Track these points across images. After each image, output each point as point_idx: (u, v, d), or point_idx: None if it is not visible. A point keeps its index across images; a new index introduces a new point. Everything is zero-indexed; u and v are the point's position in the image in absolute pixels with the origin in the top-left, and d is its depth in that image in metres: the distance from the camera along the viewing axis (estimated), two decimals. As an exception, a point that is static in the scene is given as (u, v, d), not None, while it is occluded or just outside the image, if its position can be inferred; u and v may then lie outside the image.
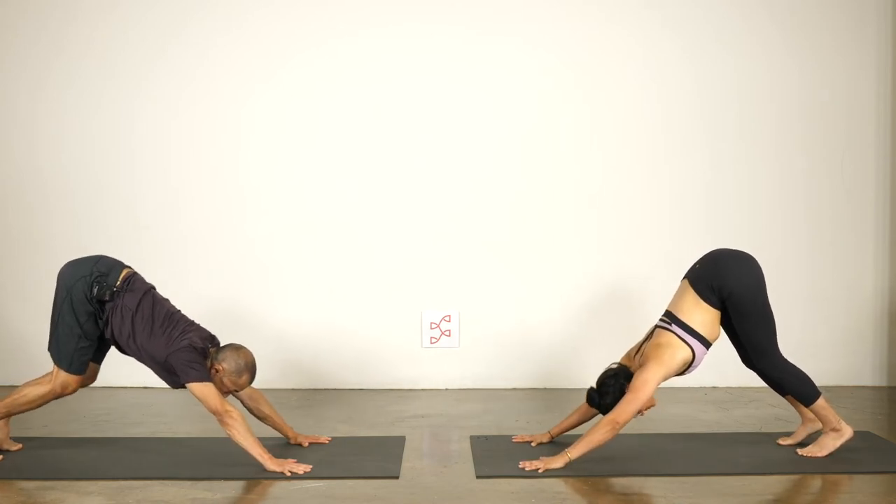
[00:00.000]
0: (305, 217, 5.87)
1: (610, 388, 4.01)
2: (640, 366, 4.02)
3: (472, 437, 4.51)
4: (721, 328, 4.14)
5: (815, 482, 3.74)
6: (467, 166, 5.88)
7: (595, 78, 5.88)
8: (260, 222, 5.88)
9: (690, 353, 4.02)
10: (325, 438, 4.40)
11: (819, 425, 4.23)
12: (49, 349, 4.09)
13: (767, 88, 5.87)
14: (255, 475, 3.84)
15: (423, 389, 5.80)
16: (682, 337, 4.02)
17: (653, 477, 3.81)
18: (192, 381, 3.87)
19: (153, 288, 4.14)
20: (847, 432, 4.09)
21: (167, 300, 4.14)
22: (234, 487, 3.73)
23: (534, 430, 4.63)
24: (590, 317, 5.85)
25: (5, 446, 4.20)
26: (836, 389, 5.74)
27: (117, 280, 4.02)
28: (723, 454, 4.15)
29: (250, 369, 4.00)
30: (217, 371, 3.95)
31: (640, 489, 3.67)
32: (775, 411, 5.12)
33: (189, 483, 3.75)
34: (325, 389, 5.76)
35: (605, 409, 4.02)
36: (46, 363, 5.80)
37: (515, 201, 5.88)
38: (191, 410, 5.20)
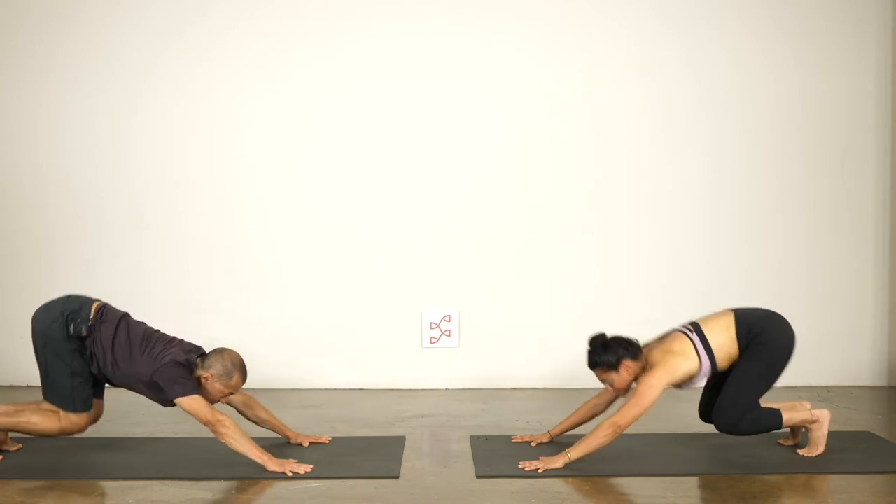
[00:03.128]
0: (305, 217, 5.87)
1: (613, 348, 3.99)
2: (646, 368, 4.00)
3: (472, 437, 4.51)
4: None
5: (815, 482, 3.74)
6: (467, 166, 5.88)
7: (595, 78, 5.88)
8: (260, 222, 5.88)
9: (697, 367, 4.02)
10: (325, 438, 4.40)
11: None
12: (46, 397, 4.07)
13: (767, 88, 5.87)
14: (255, 475, 3.83)
15: (423, 389, 5.80)
16: (698, 349, 4.02)
17: (653, 477, 3.81)
18: (179, 396, 3.87)
19: (127, 314, 4.14)
20: (825, 416, 4.09)
21: (143, 323, 4.14)
22: (234, 487, 3.73)
23: (534, 430, 4.63)
24: (590, 317, 5.83)
25: (5, 447, 4.20)
26: (836, 389, 5.74)
27: (90, 314, 4.02)
28: (723, 454, 4.15)
29: (239, 368, 3.97)
30: (207, 379, 3.93)
31: (640, 489, 3.67)
32: (775, 411, 5.12)
33: (189, 483, 3.75)
34: (325, 389, 5.76)
35: (593, 362, 4.02)
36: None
37: (515, 201, 5.88)
38: (191, 410, 5.20)
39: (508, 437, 4.48)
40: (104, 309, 4.08)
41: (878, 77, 5.89)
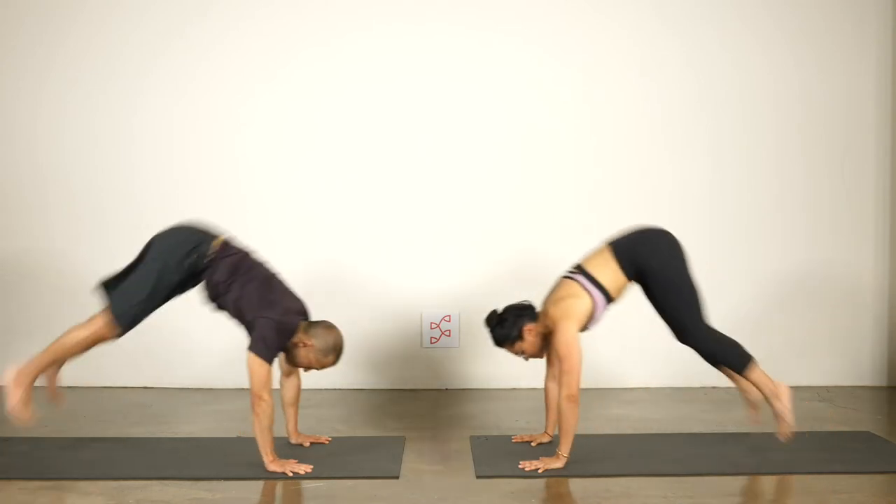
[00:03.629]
0: (305, 217, 5.87)
1: (508, 319, 4.09)
2: (550, 328, 4.03)
3: (472, 437, 4.51)
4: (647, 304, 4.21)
5: (815, 482, 3.74)
6: (467, 166, 5.88)
7: (595, 78, 5.88)
8: (260, 222, 5.87)
9: (591, 304, 4.05)
10: (325, 438, 4.41)
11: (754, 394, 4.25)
12: (106, 287, 4.03)
13: (767, 88, 5.87)
14: (255, 475, 3.84)
15: (423, 389, 5.80)
16: (585, 286, 4.07)
17: (653, 477, 3.81)
18: (254, 353, 3.84)
19: (251, 252, 4.13)
20: (783, 389, 4.10)
21: (264, 265, 4.12)
22: (234, 487, 3.73)
23: (534, 430, 4.63)
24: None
25: (53, 398, 4.23)
26: (836, 389, 5.74)
27: (209, 249, 4.01)
28: (723, 454, 4.15)
29: (338, 351, 4.00)
30: (305, 345, 3.95)
31: (640, 489, 3.67)
32: (775, 411, 5.12)
33: (189, 483, 3.75)
34: (325, 389, 5.76)
35: (497, 340, 4.11)
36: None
37: (515, 201, 5.88)
38: (191, 410, 5.21)
39: (508, 437, 4.48)
40: (227, 244, 4.06)
41: (878, 77, 5.89)
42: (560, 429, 3.94)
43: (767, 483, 3.74)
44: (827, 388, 5.77)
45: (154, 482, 3.76)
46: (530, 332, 4.09)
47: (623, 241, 4.22)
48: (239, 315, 3.99)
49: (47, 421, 4.87)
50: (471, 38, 5.86)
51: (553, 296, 4.14)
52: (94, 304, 5.82)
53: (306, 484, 3.74)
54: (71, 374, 5.87)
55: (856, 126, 5.89)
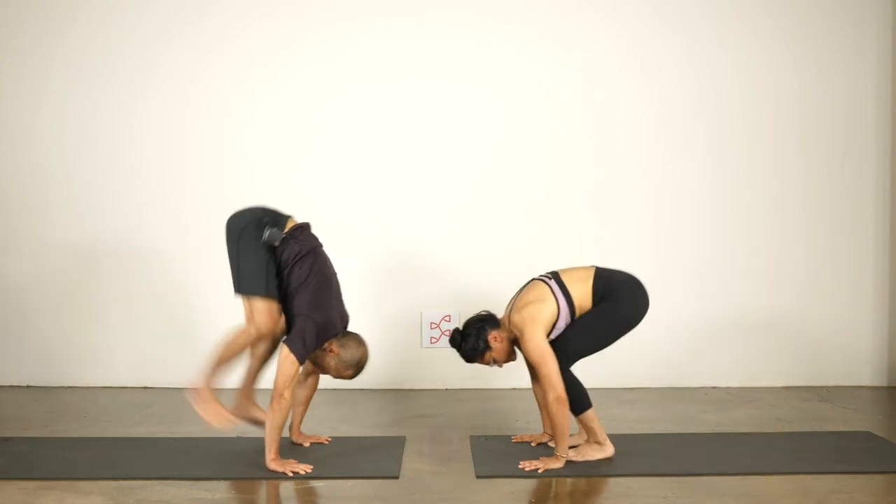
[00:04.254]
0: (305, 216, 5.84)
1: (472, 333, 4.12)
2: (517, 334, 4.03)
3: (472, 437, 4.51)
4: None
5: (815, 482, 3.74)
6: (467, 166, 5.88)
7: (595, 78, 5.87)
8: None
9: (556, 310, 4.06)
10: (325, 438, 4.41)
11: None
12: (238, 290, 4.02)
13: (767, 88, 5.87)
14: (256, 475, 3.84)
15: (423, 389, 5.80)
16: (554, 291, 4.08)
17: (653, 477, 3.82)
18: (290, 350, 3.86)
19: (321, 246, 4.17)
20: (609, 450, 4.07)
21: (330, 264, 4.15)
22: (234, 487, 3.74)
23: (534, 430, 4.63)
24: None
25: (258, 416, 4.22)
26: (836, 389, 5.74)
27: (286, 226, 4.04)
28: (723, 454, 4.16)
29: (359, 367, 4.05)
30: (331, 351, 3.99)
31: (640, 489, 3.67)
32: (775, 411, 5.13)
33: (189, 483, 3.75)
34: (326, 389, 5.74)
35: (467, 357, 4.14)
36: (49, 360, 5.84)
37: (515, 201, 5.88)
38: (191, 410, 5.20)
39: (508, 437, 4.48)
40: (300, 227, 4.10)
41: (878, 77, 5.89)
42: (553, 430, 3.95)
43: (767, 483, 3.74)
44: (827, 388, 5.77)
45: (154, 482, 3.76)
46: (496, 340, 4.12)
47: (610, 271, 4.23)
48: (289, 303, 4.00)
49: (47, 421, 4.88)
50: (471, 38, 5.85)
51: (519, 300, 4.15)
52: (91, 303, 5.86)
53: (306, 484, 3.74)
54: (71, 373, 5.91)
55: (856, 126, 5.89)
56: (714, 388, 5.80)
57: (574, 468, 3.92)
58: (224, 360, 4.09)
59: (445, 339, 5.85)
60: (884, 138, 5.90)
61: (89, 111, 5.85)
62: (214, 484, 3.76)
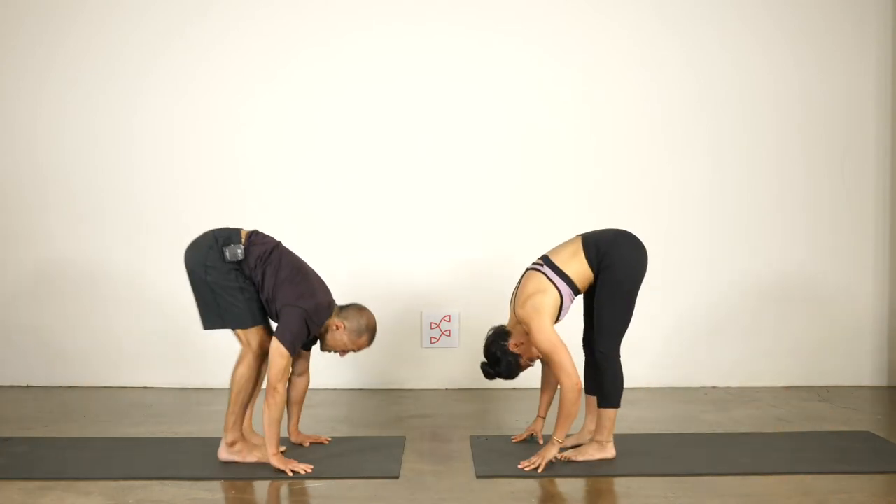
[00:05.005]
0: (305, 217, 5.86)
1: (497, 354, 4.11)
2: (526, 328, 4.03)
3: (472, 437, 4.51)
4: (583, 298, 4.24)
5: (815, 482, 3.74)
6: (467, 166, 5.88)
7: (595, 78, 5.87)
8: (260, 222, 5.86)
9: (558, 296, 4.05)
10: (325, 438, 4.41)
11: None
12: (225, 325, 4.03)
13: (767, 88, 5.87)
14: (256, 475, 3.84)
15: (423, 389, 5.80)
16: (552, 278, 4.07)
17: (653, 477, 3.82)
18: (279, 342, 3.88)
19: (280, 243, 4.16)
20: (610, 451, 4.07)
21: (294, 254, 4.16)
22: (234, 487, 3.74)
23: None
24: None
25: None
26: (836, 389, 5.74)
27: (241, 239, 4.04)
28: (723, 454, 4.16)
29: (371, 331, 4.12)
30: (337, 328, 4.04)
31: (640, 489, 3.67)
32: (775, 411, 5.13)
33: (189, 483, 3.75)
34: (326, 389, 5.76)
35: (502, 375, 4.14)
36: (49, 360, 5.84)
37: (515, 201, 5.87)
38: (191, 410, 5.21)
39: (508, 437, 4.48)
40: (255, 234, 4.10)
41: (878, 77, 5.89)
42: (561, 413, 3.92)
43: (767, 483, 3.74)
44: (827, 388, 5.77)
45: (154, 482, 3.76)
46: (517, 347, 4.11)
47: (595, 233, 4.22)
48: (272, 306, 4.01)
49: (47, 421, 4.88)
50: (471, 39, 5.85)
51: (519, 296, 4.13)
52: (91, 303, 5.86)
53: (306, 484, 3.74)
54: (71, 373, 5.91)
55: (856, 126, 5.89)
56: (714, 388, 5.80)
57: (574, 468, 3.92)
58: (240, 401, 4.06)
59: (446, 339, 5.86)
60: (884, 138, 5.90)
61: (89, 111, 5.85)
62: (214, 484, 3.76)
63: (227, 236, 4.05)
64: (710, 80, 5.86)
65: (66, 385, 5.84)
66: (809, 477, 3.81)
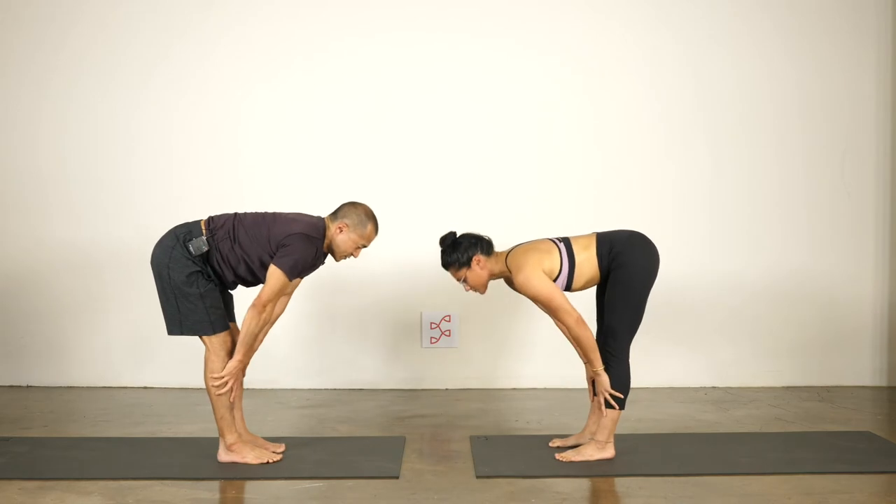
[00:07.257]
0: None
1: (462, 244, 4.12)
2: (507, 272, 4.08)
3: (472, 437, 4.51)
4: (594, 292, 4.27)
5: (815, 482, 3.74)
6: (467, 166, 5.88)
7: (596, 78, 5.88)
8: (260, 222, 5.88)
9: (558, 267, 4.07)
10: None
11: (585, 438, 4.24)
12: (184, 332, 4.01)
13: (767, 88, 5.88)
14: (256, 475, 3.84)
15: (423, 389, 5.80)
16: (561, 251, 4.09)
17: (653, 477, 3.81)
18: (279, 267, 3.87)
19: (237, 213, 4.11)
20: (609, 452, 4.07)
21: (253, 213, 4.11)
22: (234, 488, 3.74)
23: (533, 429, 4.64)
24: (590, 316, 5.84)
25: (269, 447, 4.17)
26: (836, 389, 5.75)
27: (202, 230, 4.00)
28: (723, 454, 4.15)
29: (372, 218, 4.11)
30: (341, 229, 4.02)
31: (640, 489, 3.67)
32: (775, 411, 5.13)
33: (189, 483, 3.75)
34: (325, 389, 5.76)
35: (445, 262, 4.14)
36: (50, 360, 5.84)
37: (515, 201, 5.88)
38: (191, 410, 5.21)
39: (508, 437, 4.48)
40: (212, 220, 4.06)
41: (878, 77, 5.89)
42: (584, 348, 4.00)
43: (767, 483, 3.74)
44: (827, 388, 5.78)
45: (154, 482, 3.76)
46: (478, 264, 4.11)
47: (610, 233, 4.23)
48: (259, 263, 3.95)
49: (47, 421, 4.88)
50: (471, 39, 5.85)
51: (526, 245, 4.15)
52: (91, 303, 5.86)
53: (306, 484, 3.74)
54: (71, 373, 5.91)
55: (856, 126, 5.89)
56: (714, 388, 5.80)
57: (574, 468, 3.92)
58: (222, 403, 4.03)
59: (446, 339, 5.86)
60: (884, 138, 5.90)
61: (89, 111, 5.85)
62: (214, 484, 3.76)
63: (187, 231, 4.01)
64: (710, 80, 5.86)
65: (66, 385, 5.85)
66: (809, 477, 3.81)
